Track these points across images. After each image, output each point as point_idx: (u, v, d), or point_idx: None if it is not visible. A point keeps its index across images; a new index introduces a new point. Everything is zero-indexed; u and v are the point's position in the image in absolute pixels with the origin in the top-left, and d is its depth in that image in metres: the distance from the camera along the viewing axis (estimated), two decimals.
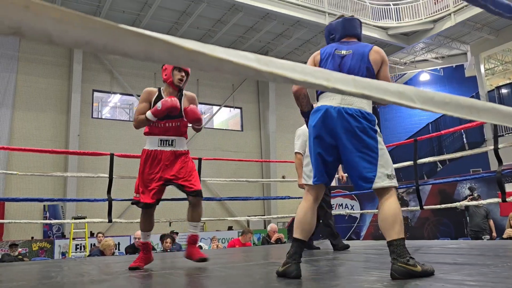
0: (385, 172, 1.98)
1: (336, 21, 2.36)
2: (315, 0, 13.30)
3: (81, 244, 9.49)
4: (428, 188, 10.27)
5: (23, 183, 11.20)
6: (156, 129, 2.90)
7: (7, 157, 11.33)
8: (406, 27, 14.18)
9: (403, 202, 10.95)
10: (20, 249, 8.94)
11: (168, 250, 6.72)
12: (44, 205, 11.68)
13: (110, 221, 4.52)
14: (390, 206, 1.95)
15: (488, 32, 14.33)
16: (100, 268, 3.09)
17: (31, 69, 12.29)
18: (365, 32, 13.73)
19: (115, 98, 15.29)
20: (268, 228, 7.67)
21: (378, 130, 2.06)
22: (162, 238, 7.03)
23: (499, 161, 3.90)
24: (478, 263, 2.35)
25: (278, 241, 7.08)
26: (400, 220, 1.93)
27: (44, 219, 11.31)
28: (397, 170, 2.81)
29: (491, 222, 7.37)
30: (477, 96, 15.09)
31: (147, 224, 2.94)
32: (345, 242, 4.10)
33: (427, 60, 17.63)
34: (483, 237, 7.09)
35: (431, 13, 13.93)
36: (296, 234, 2.09)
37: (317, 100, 2.18)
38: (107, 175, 4.49)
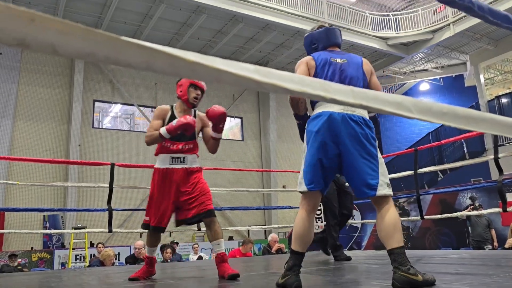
0: (385, 181, 1.99)
1: (319, 31, 2.37)
2: (315, 11, 13.41)
3: (81, 254, 9.45)
4: (429, 198, 10.24)
5: (23, 193, 11.19)
6: (169, 149, 2.84)
7: (7, 167, 11.34)
8: (406, 37, 14.27)
9: (404, 212, 10.92)
10: (19, 260, 8.91)
11: (169, 260, 6.70)
12: (44, 215, 11.65)
13: (110, 231, 4.51)
14: (391, 215, 1.95)
15: (487, 42, 14.41)
16: (100, 278, 3.08)
17: (32, 79, 12.35)
18: (365, 42, 13.91)
19: (116, 108, 15.34)
20: (269, 238, 7.64)
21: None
22: (163, 248, 7.01)
23: (500, 170, 3.90)
24: (480, 273, 2.34)
25: (279, 251, 7.05)
26: (400, 229, 1.93)
27: (44, 229, 11.28)
28: (397, 179, 2.82)
29: (493, 232, 7.34)
30: (477, 106, 15.13)
31: (153, 241, 2.90)
32: (347, 252, 4.08)
33: (426, 70, 17.71)
34: (485, 247, 7.06)
35: (430, 24, 14.03)
36: (295, 247, 2.05)
37: (313, 108, 2.16)
38: (108, 185, 4.49)
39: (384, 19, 14.69)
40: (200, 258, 8.52)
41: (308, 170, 2.07)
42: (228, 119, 2.99)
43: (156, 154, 2.88)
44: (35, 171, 11.35)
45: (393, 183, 2.36)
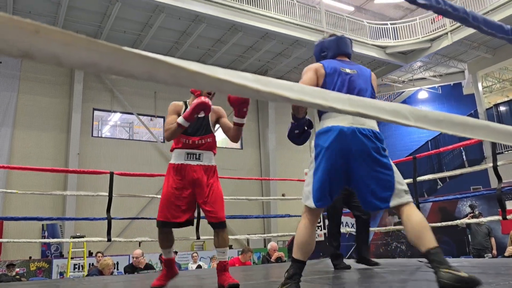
0: (402, 188, 1.97)
1: (329, 39, 2.36)
2: (314, 20, 13.51)
3: (79, 263, 9.40)
4: (429, 206, 10.23)
5: (21, 201, 11.16)
6: (184, 144, 2.76)
7: (6, 176, 11.32)
8: (404, 46, 14.35)
9: None
10: (17, 269, 8.85)
11: None
12: (42, 224, 11.60)
13: (109, 240, 4.49)
14: (417, 217, 1.91)
15: (485, 51, 14.50)
16: None
17: (32, 88, 12.38)
18: (363, 51, 13.99)
19: (115, 117, 15.36)
20: (268, 246, 7.61)
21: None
22: (162, 256, 6.97)
23: (499, 178, 3.91)
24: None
25: (279, 259, 7.03)
26: (429, 228, 1.88)
27: (42, 238, 11.23)
28: None
29: (493, 240, 7.32)
30: (476, 114, 15.17)
31: (164, 241, 2.77)
32: (346, 261, 4.07)
33: (425, 78, 17.79)
34: (485, 255, 7.04)
35: (428, 32, 14.12)
36: (296, 255, 2.04)
37: (320, 119, 2.13)
38: (107, 194, 4.49)
39: (382, 28, 14.79)
40: (199, 267, 8.48)
41: (318, 187, 2.04)
42: None
43: (172, 150, 2.82)
44: (34, 180, 11.33)
45: None
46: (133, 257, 6.41)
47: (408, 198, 1.96)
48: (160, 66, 0.45)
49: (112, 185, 4.49)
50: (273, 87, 0.52)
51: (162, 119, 14.53)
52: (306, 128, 2.36)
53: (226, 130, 2.85)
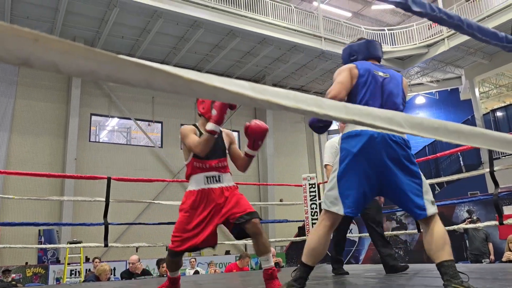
0: (429, 199, 1.95)
1: (359, 43, 2.34)
2: (311, 26, 13.58)
3: (76, 269, 9.35)
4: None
5: (18, 207, 11.12)
6: (201, 169, 2.58)
7: (3, 181, 11.28)
8: (401, 52, 14.44)
9: (401, 225, 10.91)
10: (13, 275, 8.80)
11: (165, 275, 6.63)
12: (39, 230, 11.56)
13: (106, 245, 4.47)
14: (439, 229, 1.91)
15: (482, 57, 14.59)
16: None
17: (29, 93, 12.37)
18: None
19: (113, 122, 15.36)
20: None
21: None
22: (159, 262, 6.95)
23: (496, 183, 3.92)
24: (477, 287, 2.34)
25: (276, 265, 7.00)
26: (449, 242, 1.88)
27: (39, 244, 11.17)
28: None
29: (491, 245, 7.33)
30: (473, 119, 15.24)
31: (173, 266, 2.66)
32: (344, 266, 4.06)
33: (422, 83, 17.87)
34: (483, 261, 7.04)
35: (425, 38, 14.22)
36: (305, 259, 2.01)
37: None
38: (104, 199, 4.48)
39: (379, 33, 14.87)
40: (196, 272, 8.46)
41: (349, 194, 1.97)
42: None
43: (188, 177, 2.64)
44: (31, 185, 11.30)
45: None
46: (129, 263, 6.39)
47: (436, 209, 1.95)
48: (157, 74, 0.45)
49: (109, 190, 4.48)
50: (268, 95, 0.52)
51: (159, 124, 14.54)
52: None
53: (235, 158, 2.73)
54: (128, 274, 6.24)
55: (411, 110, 19.91)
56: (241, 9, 12.13)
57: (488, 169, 4.05)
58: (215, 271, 9.01)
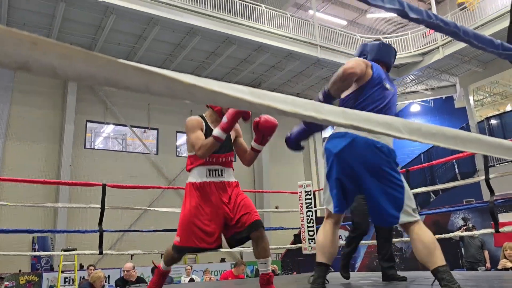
0: (411, 206, 1.97)
1: (373, 43, 2.32)
2: (307, 34, 13.66)
3: (70, 277, 9.26)
4: (422, 219, 10.23)
5: (12, 214, 11.02)
6: (206, 163, 2.51)
7: None
8: (396, 60, 14.40)
9: (397, 233, 10.89)
10: (6, 283, 8.71)
11: None
12: (33, 237, 11.45)
13: (101, 253, 4.44)
14: (425, 234, 1.92)
15: (476, 65, 14.71)
16: None
17: (25, 99, 12.32)
18: None
19: (108, 129, 15.32)
20: None
21: None
22: (154, 270, 6.89)
23: (491, 191, 3.93)
24: None
25: (272, 272, 6.97)
26: (439, 246, 1.90)
27: (33, 251, 11.07)
28: None
29: (486, 253, 7.33)
30: (467, 127, 15.33)
31: (173, 262, 2.61)
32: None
33: (417, 91, 17.98)
34: (478, 268, 7.04)
35: (420, 46, 14.33)
36: (318, 258, 2.04)
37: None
38: (99, 206, 4.45)
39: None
40: (191, 280, 8.41)
41: (334, 193, 2.05)
42: None
43: (189, 169, 2.56)
44: (25, 192, 11.21)
45: None
46: (124, 270, 6.33)
47: (417, 216, 1.97)
48: (156, 79, 0.45)
49: (104, 197, 4.45)
50: (267, 100, 0.52)
51: (155, 131, 14.51)
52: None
53: (241, 152, 2.67)
54: (122, 282, 6.18)
55: (407, 118, 19.92)
56: (237, 17, 12.19)
57: (483, 177, 4.06)
58: (210, 278, 8.96)
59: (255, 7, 12.81)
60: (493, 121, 15.31)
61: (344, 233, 11.48)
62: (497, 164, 13.51)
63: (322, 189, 2.59)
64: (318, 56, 13.33)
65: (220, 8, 12.00)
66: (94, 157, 13.18)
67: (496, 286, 2.76)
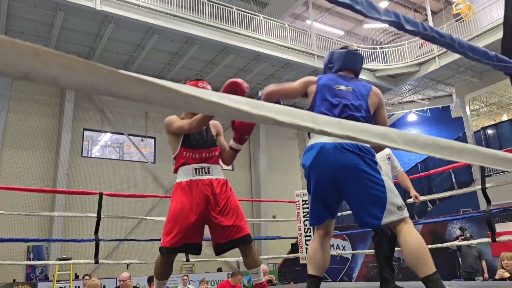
0: (395, 204, 1.88)
1: (339, 51, 2.29)
2: (304, 43, 13.76)
3: (65, 287, 9.17)
4: (419, 228, 10.22)
5: (7, 222, 10.93)
6: (190, 160, 2.48)
7: None
8: (393, 70, 14.63)
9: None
10: None
11: None
12: (28, 246, 11.36)
13: (96, 262, 4.41)
14: (413, 238, 1.84)
15: (472, 75, 14.83)
16: None
17: (22, 107, 12.31)
18: None
19: (106, 137, 15.30)
20: None
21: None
22: (150, 280, 6.85)
23: (488, 200, 3.94)
24: None
25: (269, 282, 6.94)
26: (428, 252, 1.83)
27: (27, 261, 10.97)
28: None
29: (484, 263, 7.31)
30: (464, 137, 15.39)
31: (164, 272, 2.52)
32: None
33: (414, 101, 18.08)
34: (476, 278, 7.02)
35: (417, 57, 14.45)
36: (309, 270, 2.05)
37: (309, 137, 2.11)
38: (95, 215, 4.43)
39: (372, 52, 15.08)
40: None
41: (311, 207, 2.06)
42: None
43: (176, 170, 2.54)
44: (21, 200, 11.16)
45: None
46: (120, 280, 6.29)
47: (402, 214, 1.88)
48: (155, 89, 0.46)
49: (101, 206, 4.44)
50: (264, 110, 0.53)
51: (153, 140, 14.50)
52: None
53: (221, 150, 2.63)
54: None
55: (404, 127, 20.09)
56: (235, 26, 12.27)
57: (480, 186, 4.07)
58: None
59: (253, 17, 12.91)
60: (490, 131, 15.38)
61: (342, 243, 11.46)
62: (493, 174, 13.54)
63: None
64: (315, 65, 13.41)
65: (218, 18, 12.09)
66: (91, 166, 13.14)
67: None
